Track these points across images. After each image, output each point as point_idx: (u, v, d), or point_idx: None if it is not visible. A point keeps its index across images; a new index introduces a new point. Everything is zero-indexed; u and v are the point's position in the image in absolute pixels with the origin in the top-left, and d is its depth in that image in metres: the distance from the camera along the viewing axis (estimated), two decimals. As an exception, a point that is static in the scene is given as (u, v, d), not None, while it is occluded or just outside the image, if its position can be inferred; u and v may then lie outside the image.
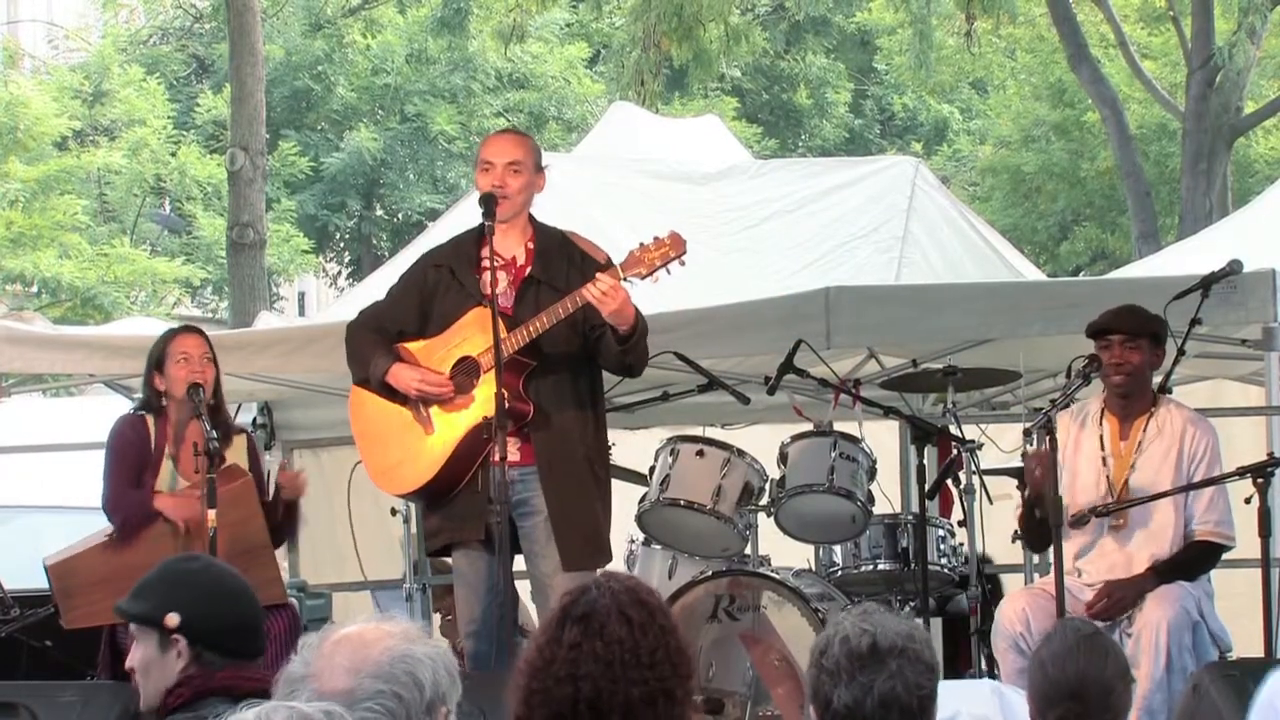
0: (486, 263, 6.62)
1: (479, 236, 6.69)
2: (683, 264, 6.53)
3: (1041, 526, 6.94)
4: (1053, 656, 4.70)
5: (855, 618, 3.89)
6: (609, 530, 6.82)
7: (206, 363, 7.32)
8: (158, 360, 7.38)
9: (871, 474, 7.89)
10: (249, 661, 4.32)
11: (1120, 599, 6.97)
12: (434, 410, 6.70)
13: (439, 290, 6.80)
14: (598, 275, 6.46)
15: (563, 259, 6.71)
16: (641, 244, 6.53)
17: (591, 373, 6.77)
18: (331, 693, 3.31)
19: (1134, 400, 7.23)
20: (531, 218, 6.82)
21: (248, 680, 4.18)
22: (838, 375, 8.08)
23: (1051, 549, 6.87)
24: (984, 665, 7.74)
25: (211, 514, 6.92)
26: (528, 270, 6.73)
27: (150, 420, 7.39)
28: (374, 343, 6.81)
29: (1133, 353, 7.15)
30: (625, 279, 6.47)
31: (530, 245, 6.77)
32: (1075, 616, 6.55)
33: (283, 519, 7.53)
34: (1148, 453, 7.17)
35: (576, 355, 6.70)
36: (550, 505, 6.61)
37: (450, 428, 6.66)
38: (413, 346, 6.78)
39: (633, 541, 8.02)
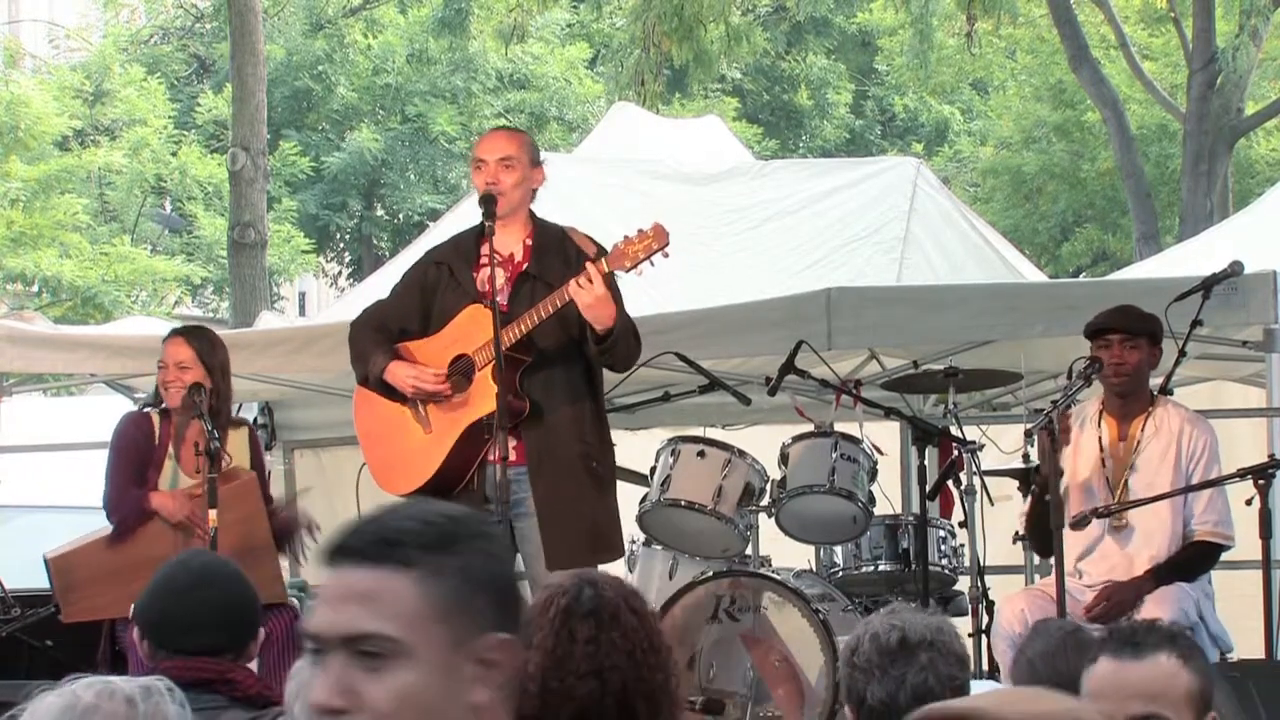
0: (485, 260, 6.60)
1: (479, 234, 6.65)
2: (666, 255, 6.41)
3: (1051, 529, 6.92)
4: (1042, 655, 4.69)
5: (883, 615, 3.90)
6: (615, 525, 6.76)
7: (181, 370, 7.30)
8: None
9: (872, 475, 7.88)
10: (206, 656, 4.33)
11: (1119, 601, 6.96)
12: (432, 409, 6.67)
13: (439, 288, 6.77)
14: (585, 265, 6.43)
15: (559, 255, 6.66)
16: (626, 237, 6.45)
17: (586, 368, 6.70)
18: None
19: (1132, 400, 7.21)
20: (532, 214, 6.78)
21: (188, 671, 4.16)
22: (839, 376, 8.07)
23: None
24: (984, 666, 7.72)
25: (213, 513, 6.94)
26: (524, 267, 6.72)
27: (155, 417, 7.43)
28: (374, 341, 6.79)
29: (1132, 352, 7.13)
30: (610, 272, 6.42)
31: (529, 242, 6.73)
32: (1054, 618, 6.52)
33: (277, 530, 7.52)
34: (1145, 453, 7.15)
35: (569, 351, 6.64)
36: (538, 502, 6.57)
37: (448, 426, 6.63)
38: (412, 345, 6.76)
39: (633, 542, 8.00)
